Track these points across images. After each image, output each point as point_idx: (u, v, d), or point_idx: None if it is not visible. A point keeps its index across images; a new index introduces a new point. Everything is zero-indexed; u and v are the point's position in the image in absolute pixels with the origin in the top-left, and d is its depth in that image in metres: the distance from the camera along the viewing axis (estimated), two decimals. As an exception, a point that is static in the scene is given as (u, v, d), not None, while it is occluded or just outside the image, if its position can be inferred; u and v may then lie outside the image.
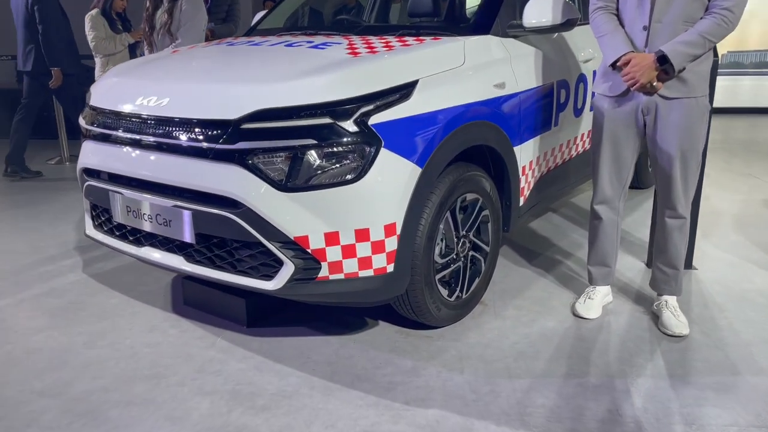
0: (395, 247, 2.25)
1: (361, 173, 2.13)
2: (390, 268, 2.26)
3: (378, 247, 2.21)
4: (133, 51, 5.52)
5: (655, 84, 2.36)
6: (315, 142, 2.10)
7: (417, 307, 2.49)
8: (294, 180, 2.11)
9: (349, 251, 2.18)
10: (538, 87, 2.99)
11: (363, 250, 2.19)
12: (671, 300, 2.69)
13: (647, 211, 4.21)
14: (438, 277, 2.53)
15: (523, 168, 2.98)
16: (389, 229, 2.21)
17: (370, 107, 2.16)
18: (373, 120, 2.15)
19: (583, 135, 3.61)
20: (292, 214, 2.13)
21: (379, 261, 2.23)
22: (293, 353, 2.45)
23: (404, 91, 2.26)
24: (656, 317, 2.71)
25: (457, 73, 2.50)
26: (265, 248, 2.18)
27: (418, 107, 2.27)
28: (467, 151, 2.54)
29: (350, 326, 2.67)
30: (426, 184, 2.32)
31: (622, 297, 2.96)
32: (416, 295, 2.44)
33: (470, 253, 2.71)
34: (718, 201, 4.66)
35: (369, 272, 2.23)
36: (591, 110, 3.61)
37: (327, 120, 2.11)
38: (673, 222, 2.59)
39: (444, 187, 2.44)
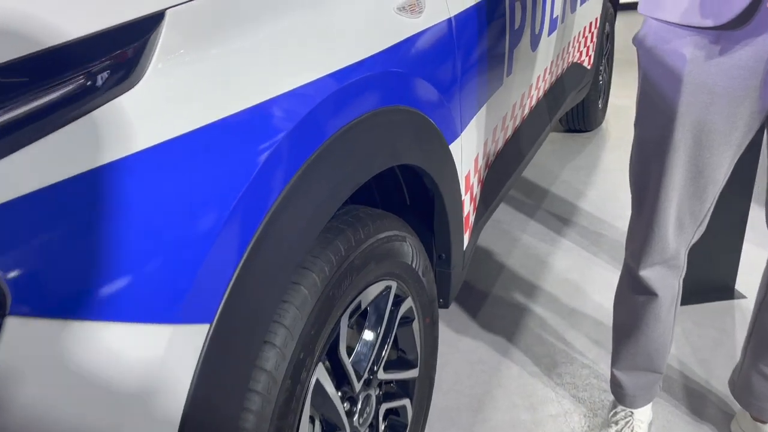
0: None
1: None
2: None
3: None
4: None
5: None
6: None
7: None
8: None
9: None
10: (481, 3, 1.42)
11: None
12: (787, 434, 1.35)
13: (605, 169, 2.86)
14: None
15: (467, 176, 1.46)
16: None
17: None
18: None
19: (538, 78, 2.12)
20: None
21: None
22: None
23: (112, 59, 0.62)
24: (756, 465, 1.37)
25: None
26: None
27: (173, 113, 0.65)
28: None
29: None
30: (230, 361, 0.74)
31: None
32: None
33: (383, 406, 1.20)
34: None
35: None
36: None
37: None
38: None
39: (302, 315, 0.87)
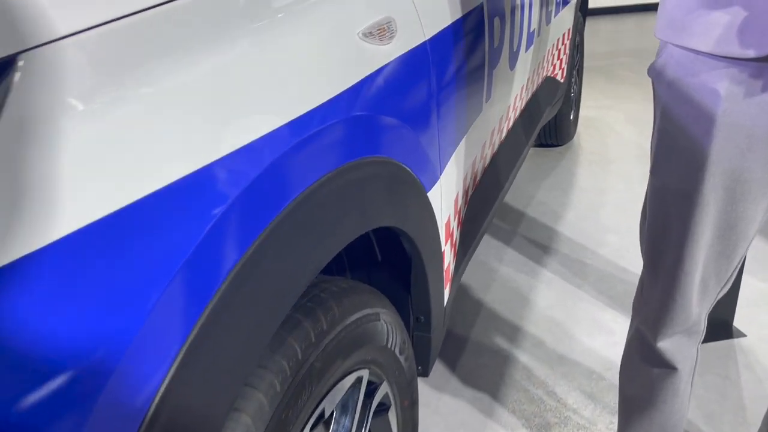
0: None
1: None
2: None
3: None
4: None
5: None
6: None
7: None
8: None
9: None
10: (458, 21, 1.21)
11: None
12: None
13: (581, 187, 2.69)
14: None
15: (447, 223, 1.25)
16: None
17: None
18: None
19: (515, 98, 1.93)
20: None
21: None
22: None
23: None
24: None
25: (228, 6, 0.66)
26: None
27: (38, 212, 0.44)
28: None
29: None
30: None
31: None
32: None
33: None
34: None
35: None
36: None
37: None
38: None
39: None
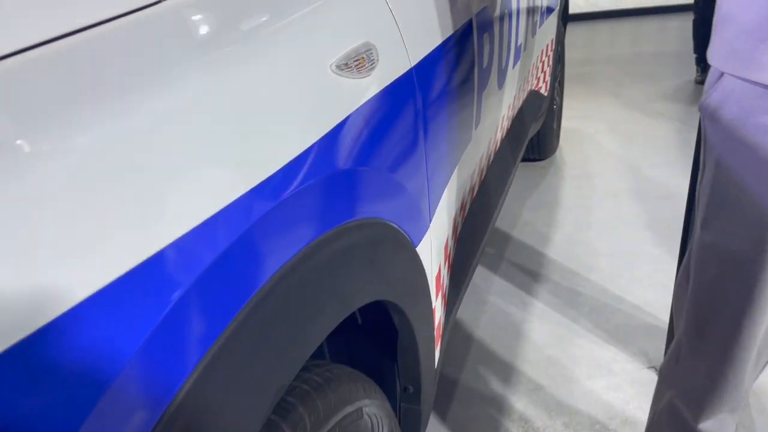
0: None
1: None
2: None
3: None
4: None
5: None
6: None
7: None
8: None
9: None
10: (447, 40, 1.04)
11: None
12: None
13: (567, 206, 2.54)
14: None
15: (437, 275, 1.08)
16: None
17: None
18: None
19: (503, 118, 1.77)
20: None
21: None
22: None
23: None
24: None
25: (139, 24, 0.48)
26: None
27: None
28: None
29: None
30: None
31: None
32: None
33: None
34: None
35: None
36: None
37: None
38: None
39: None
